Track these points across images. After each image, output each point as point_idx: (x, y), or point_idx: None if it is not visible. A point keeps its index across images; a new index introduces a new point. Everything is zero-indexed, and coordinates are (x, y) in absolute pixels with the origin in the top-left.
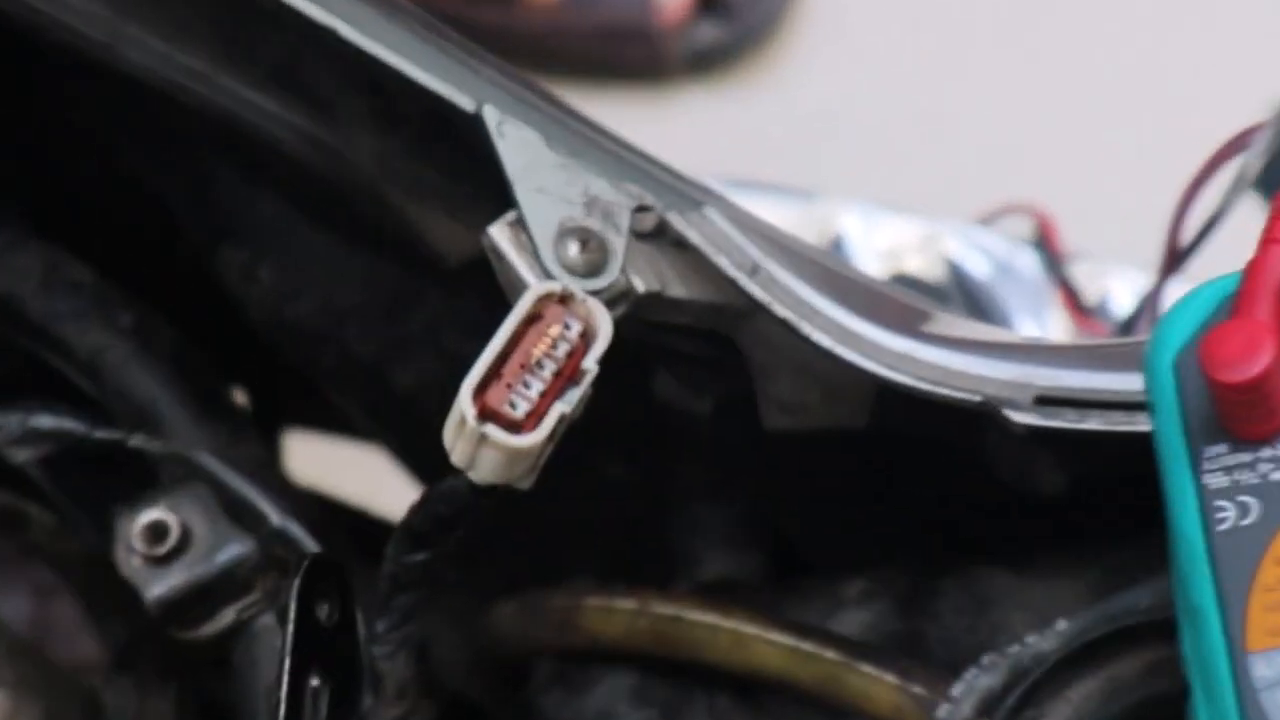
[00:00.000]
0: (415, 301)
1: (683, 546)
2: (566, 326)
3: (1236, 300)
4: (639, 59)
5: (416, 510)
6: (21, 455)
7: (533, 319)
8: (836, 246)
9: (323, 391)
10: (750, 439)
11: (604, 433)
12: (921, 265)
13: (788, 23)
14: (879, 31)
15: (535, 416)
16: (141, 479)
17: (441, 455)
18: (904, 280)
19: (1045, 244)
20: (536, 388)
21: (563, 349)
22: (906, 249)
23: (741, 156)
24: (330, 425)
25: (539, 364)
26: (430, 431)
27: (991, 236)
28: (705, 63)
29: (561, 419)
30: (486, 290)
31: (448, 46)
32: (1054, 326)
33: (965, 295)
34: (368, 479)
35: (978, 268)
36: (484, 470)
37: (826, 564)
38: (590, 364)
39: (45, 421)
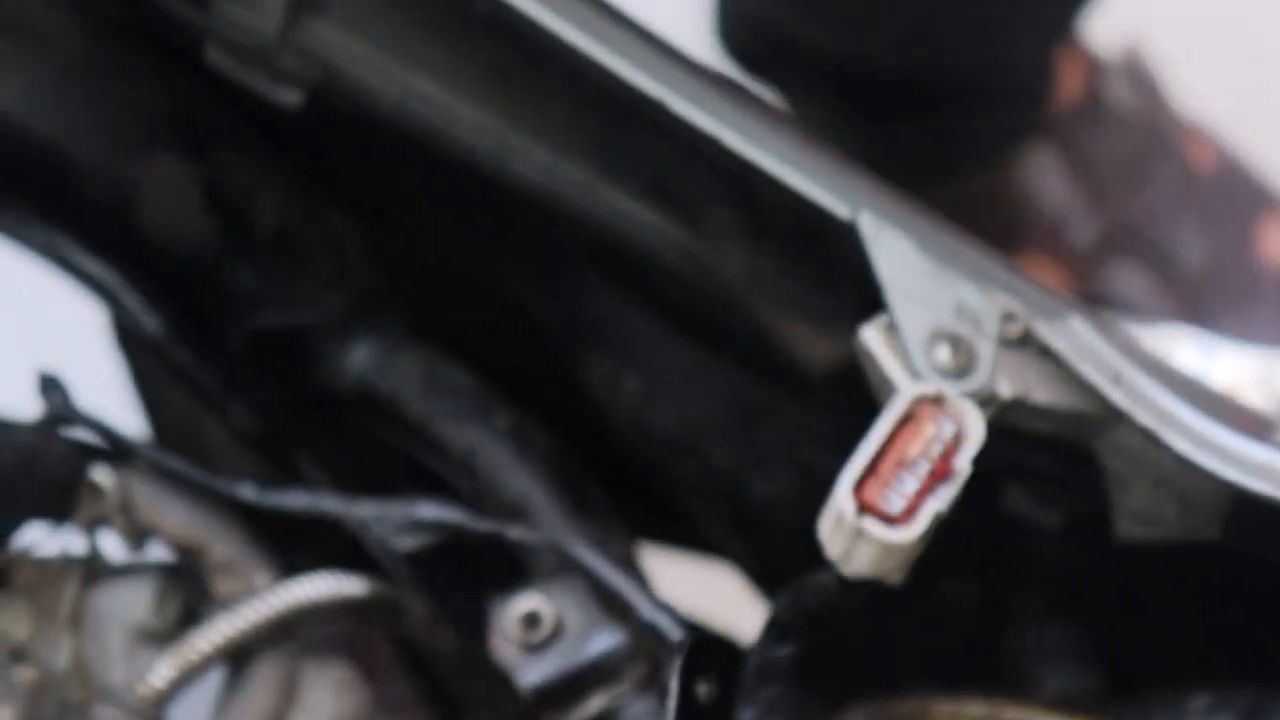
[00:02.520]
0: (771, 414)
1: (1023, 665)
2: (940, 426)
3: None
4: None
5: (785, 603)
6: (405, 544)
7: (906, 419)
8: None
9: (675, 502)
10: (1096, 556)
11: (951, 548)
12: (1259, 399)
13: None
14: None
15: (910, 512)
16: (514, 570)
17: (789, 565)
18: None
19: None
20: (911, 485)
21: (936, 448)
22: (1244, 382)
23: None
24: (677, 540)
25: (914, 462)
26: (781, 541)
27: None
28: None
29: (936, 516)
30: (838, 403)
31: (822, 155)
32: None
33: None
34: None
35: None
36: (859, 564)
37: (1166, 678)
38: (963, 463)
39: (429, 512)
